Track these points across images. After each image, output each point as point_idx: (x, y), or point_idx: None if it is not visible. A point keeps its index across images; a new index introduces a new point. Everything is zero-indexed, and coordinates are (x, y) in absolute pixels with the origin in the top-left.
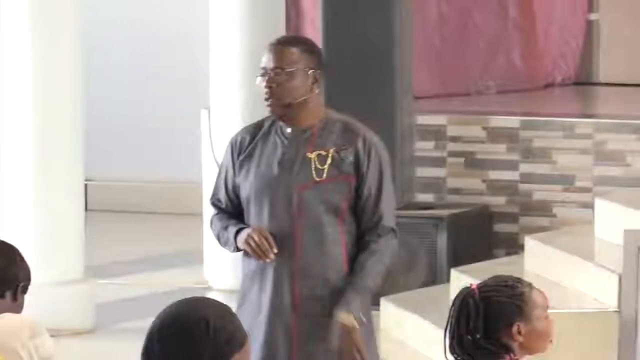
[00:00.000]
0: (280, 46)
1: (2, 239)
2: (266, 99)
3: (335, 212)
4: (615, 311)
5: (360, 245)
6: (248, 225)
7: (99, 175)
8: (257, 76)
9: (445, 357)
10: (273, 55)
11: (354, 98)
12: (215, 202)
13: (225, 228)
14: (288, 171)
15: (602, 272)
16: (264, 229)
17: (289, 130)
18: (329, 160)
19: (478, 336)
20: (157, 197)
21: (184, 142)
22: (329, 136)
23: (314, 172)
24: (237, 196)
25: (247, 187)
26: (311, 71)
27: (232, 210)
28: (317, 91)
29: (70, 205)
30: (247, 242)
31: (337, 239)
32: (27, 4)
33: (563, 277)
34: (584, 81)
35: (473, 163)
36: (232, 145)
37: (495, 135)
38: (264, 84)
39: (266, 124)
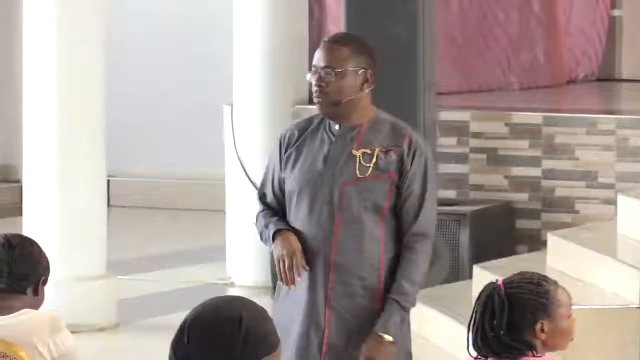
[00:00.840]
0: (332, 45)
1: (23, 234)
2: (316, 98)
3: (376, 211)
4: (638, 308)
5: (400, 247)
6: (288, 226)
7: (121, 172)
8: (308, 73)
9: (468, 352)
10: (324, 54)
11: (376, 94)
12: (261, 197)
13: (267, 226)
14: (332, 167)
15: (625, 269)
16: (300, 253)
17: (337, 127)
18: (374, 160)
19: (502, 333)
20: (180, 194)
21: (207, 138)
22: (377, 135)
23: (357, 169)
24: (283, 193)
25: (291, 181)
26: (362, 71)
27: (277, 207)
28: (367, 91)
29: (92, 202)
30: (277, 261)
31: (376, 237)
32: (54, 4)
33: (585, 274)
34: (607, 77)
35: (496, 159)
36: (281, 140)
37: (518, 131)
38: (314, 82)
39: (316, 121)
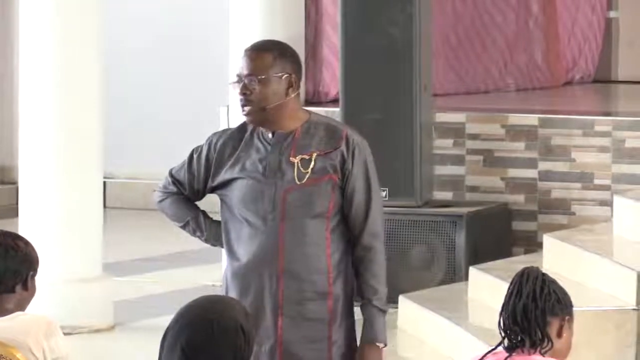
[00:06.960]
0: (253, 52)
1: (6, 230)
2: (241, 106)
3: (320, 214)
4: (634, 309)
5: (353, 250)
6: (218, 239)
7: (117, 173)
8: (231, 83)
9: (499, 326)
10: (247, 62)
11: (372, 96)
12: (173, 177)
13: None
14: (272, 176)
15: (621, 270)
16: None
17: (270, 135)
18: (312, 164)
19: (537, 313)
20: None
21: (204, 140)
22: (312, 139)
23: (296, 176)
24: (192, 186)
25: (232, 193)
26: (285, 76)
27: (182, 192)
28: (293, 95)
29: (88, 203)
30: None
31: (321, 241)
32: (51, 4)
33: (581, 275)
34: (603, 79)
35: (492, 161)
36: (211, 146)
37: (514, 133)
38: (238, 91)
39: (248, 129)
